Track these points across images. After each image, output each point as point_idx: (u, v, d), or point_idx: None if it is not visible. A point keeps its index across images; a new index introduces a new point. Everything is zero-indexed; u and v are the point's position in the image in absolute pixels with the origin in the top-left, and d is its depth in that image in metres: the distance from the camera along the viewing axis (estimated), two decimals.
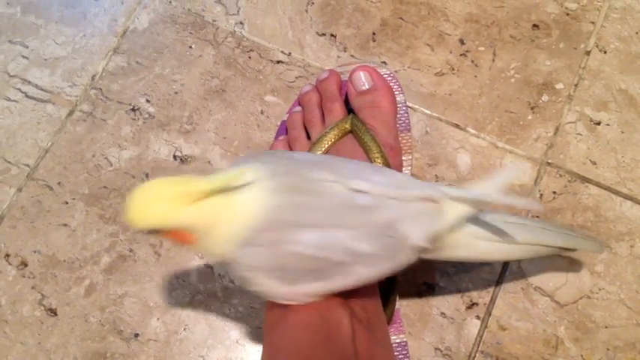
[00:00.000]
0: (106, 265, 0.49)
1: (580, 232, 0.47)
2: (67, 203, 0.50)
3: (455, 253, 0.37)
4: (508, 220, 0.38)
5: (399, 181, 0.35)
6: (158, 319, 0.47)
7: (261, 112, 0.53)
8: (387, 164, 0.43)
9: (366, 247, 0.32)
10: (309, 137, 0.48)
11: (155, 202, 0.30)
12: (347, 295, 0.36)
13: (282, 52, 0.55)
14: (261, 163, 0.33)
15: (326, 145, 0.46)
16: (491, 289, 0.47)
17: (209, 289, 0.48)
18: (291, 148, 0.48)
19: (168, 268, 0.49)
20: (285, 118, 0.51)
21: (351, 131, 0.46)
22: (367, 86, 0.47)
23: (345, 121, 0.46)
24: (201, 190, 0.30)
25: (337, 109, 0.47)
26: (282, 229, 0.32)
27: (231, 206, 0.31)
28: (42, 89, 0.53)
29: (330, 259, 0.32)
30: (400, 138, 0.48)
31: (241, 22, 0.56)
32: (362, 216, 0.33)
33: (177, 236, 0.31)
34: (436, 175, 0.51)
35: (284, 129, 0.51)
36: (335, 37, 0.56)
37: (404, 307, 0.47)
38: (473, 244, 0.37)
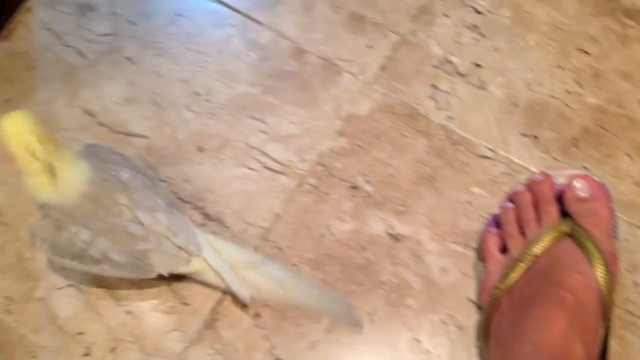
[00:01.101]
0: (327, 324, 0.55)
1: (343, 304, 0.55)
2: (294, 265, 0.57)
3: (205, 279, 0.53)
4: (274, 271, 0.54)
5: (176, 227, 0.50)
6: None
7: (468, 202, 0.59)
8: (608, 272, 0.47)
9: (117, 258, 0.48)
10: (521, 233, 0.53)
11: (20, 129, 0.43)
12: None
13: (487, 147, 0.61)
14: (92, 163, 0.48)
15: (544, 245, 0.50)
16: None
17: (417, 358, 0.53)
18: (505, 243, 0.53)
19: (381, 335, 0.54)
20: (496, 212, 0.56)
21: (568, 234, 0.50)
22: (586, 194, 0.51)
23: (563, 224, 0.51)
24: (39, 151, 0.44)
25: (554, 212, 0.52)
26: (69, 218, 0.47)
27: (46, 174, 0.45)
28: (276, 161, 0.61)
29: (89, 253, 0.48)
30: None
31: (451, 117, 0.63)
32: (126, 239, 0.48)
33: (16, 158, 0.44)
34: (635, 282, 0.54)
35: (495, 222, 0.56)
36: (538, 138, 0.61)
37: None
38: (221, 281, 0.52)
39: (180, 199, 0.60)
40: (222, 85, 0.65)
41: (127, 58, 0.66)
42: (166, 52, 0.66)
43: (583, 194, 0.51)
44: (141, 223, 0.49)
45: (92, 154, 0.51)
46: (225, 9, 0.69)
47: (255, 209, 0.59)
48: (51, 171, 0.45)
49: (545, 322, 0.45)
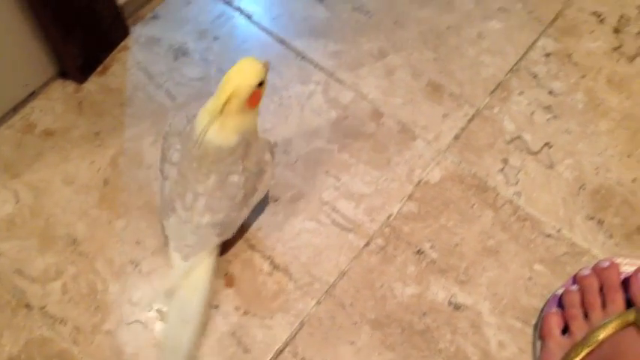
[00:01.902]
0: None
1: None
2: (355, 323, 0.59)
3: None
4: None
5: (199, 236, 0.54)
6: None
7: (529, 278, 0.60)
8: None
9: (166, 189, 0.55)
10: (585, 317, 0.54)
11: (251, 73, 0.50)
12: None
13: (552, 226, 0.63)
14: (239, 146, 0.53)
15: (609, 332, 0.52)
16: None
17: None
18: (567, 324, 0.54)
19: None
20: (558, 292, 0.58)
21: (633, 323, 0.52)
22: None
23: (629, 314, 0.52)
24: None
25: (619, 301, 0.53)
26: (184, 140, 0.54)
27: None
28: (347, 219, 0.64)
29: (166, 164, 0.55)
30: None
31: (519, 193, 0.65)
32: (180, 192, 0.54)
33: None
34: None
35: (556, 302, 0.57)
36: (602, 223, 0.63)
37: None
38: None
39: (252, 245, 0.62)
40: (301, 139, 0.68)
41: None
42: None
43: None
44: (195, 201, 0.54)
45: (250, 145, 0.54)
46: (312, 66, 0.72)
47: (321, 263, 0.62)
48: (215, 119, 0.50)
49: None
